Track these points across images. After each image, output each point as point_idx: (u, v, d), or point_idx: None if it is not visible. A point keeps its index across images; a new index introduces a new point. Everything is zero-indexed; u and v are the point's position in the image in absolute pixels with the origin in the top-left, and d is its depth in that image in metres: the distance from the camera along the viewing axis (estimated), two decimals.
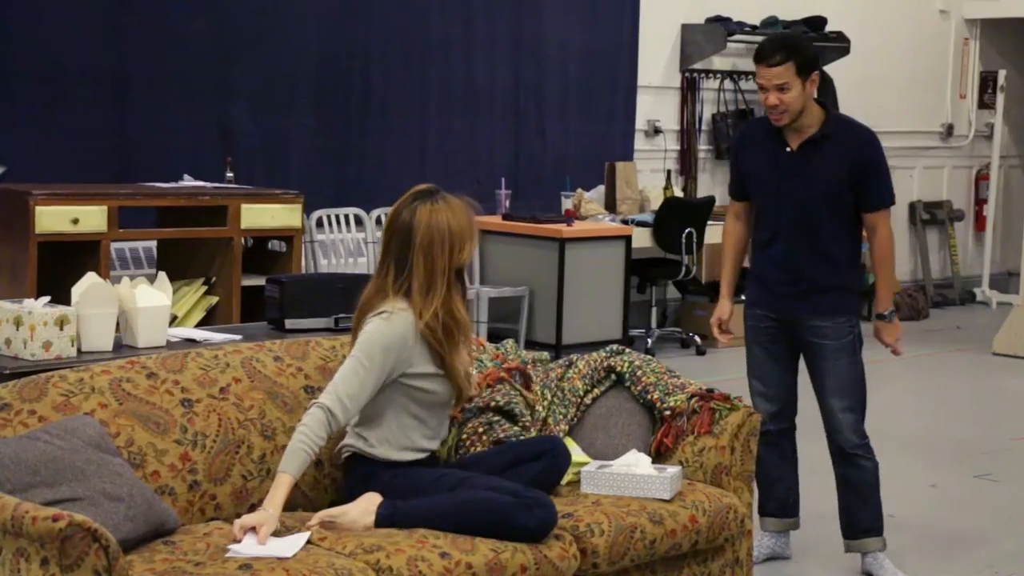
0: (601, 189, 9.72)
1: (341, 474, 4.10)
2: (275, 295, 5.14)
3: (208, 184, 7.50)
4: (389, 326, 3.86)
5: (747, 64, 11.00)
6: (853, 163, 4.89)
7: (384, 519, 3.77)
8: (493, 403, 4.35)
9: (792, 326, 5.00)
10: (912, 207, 12.33)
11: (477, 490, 3.84)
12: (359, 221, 8.57)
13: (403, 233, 3.90)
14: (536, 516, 3.78)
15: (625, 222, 9.40)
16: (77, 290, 4.67)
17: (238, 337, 4.88)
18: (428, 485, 3.88)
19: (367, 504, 3.81)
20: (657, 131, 10.48)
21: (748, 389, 5.11)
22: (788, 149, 4.89)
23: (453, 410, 4.18)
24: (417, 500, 3.82)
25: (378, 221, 8.47)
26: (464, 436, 4.29)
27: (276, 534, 3.62)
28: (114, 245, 7.09)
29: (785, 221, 4.93)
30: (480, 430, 4.29)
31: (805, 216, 4.90)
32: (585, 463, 4.31)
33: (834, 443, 5.04)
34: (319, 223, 8.38)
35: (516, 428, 4.33)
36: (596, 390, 4.59)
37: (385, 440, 3.94)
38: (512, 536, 3.75)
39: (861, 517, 5.07)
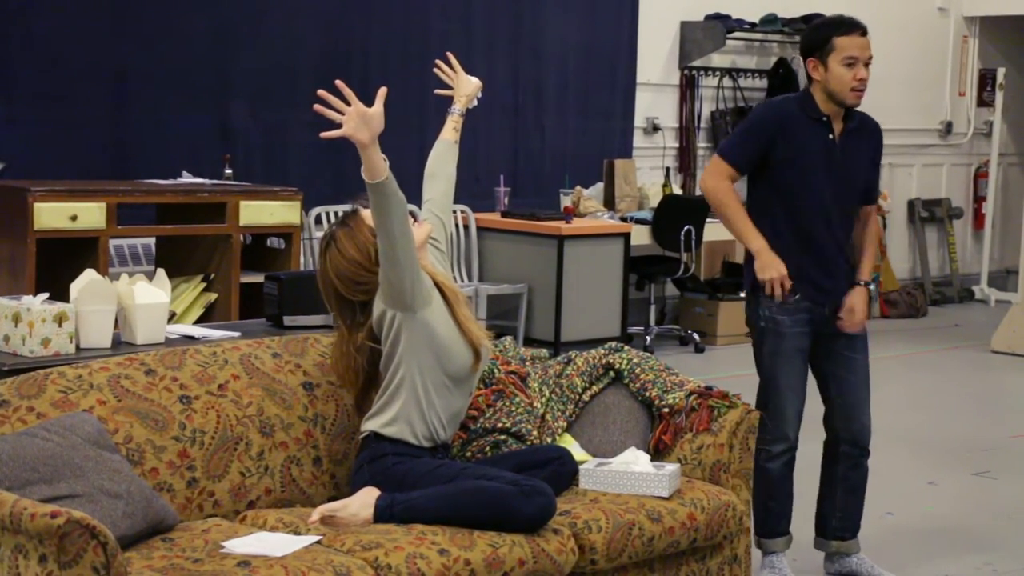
0: (600, 186, 9.72)
1: (343, 469, 4.11)
2: (274, 292, 5.14)
3: (207, 181, 7.50)
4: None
5: (746, 61, 11.03)
6: (874, 156, 4.93)
7: (383, 511, 3.78)
8: (500, 424, 4.35)
9: (824, 322, 4.87)
10: (911, 204, 12.32)
11: (476, 479, 3.85)
12: None
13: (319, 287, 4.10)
14: (535, 503, 3.78)
15: (624, 219, 9.41)
16: (76, 287, 4.66)
17: (236, 334, 4.88)
18: (427, 474, 3.89)
19: (366, 497, 3.82)
20: (656, 128, 10.48)
21: (774, 408, 4.83)
22: (831, 137, 4.80)
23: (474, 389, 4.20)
24: (415, 491, 3.83)
25: None
26: (469, 454, 4.30)
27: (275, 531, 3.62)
28: (113, 242, 7.09)
29: (830, 212, 4.82)
30: (487, 450, 4.30)
31: (846, 206, 4.86)
32: (584, 461, 4.31)
33: (849, 442, 4.96)
34: (318, 220, 8.38)
35: (524, 446, 4.33)
36: (595, 387, 4.59)
37: (403, 417, 3.94)
38: (511, 524, 3.75)
39: (857, 518, 5.06)
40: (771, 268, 4.76)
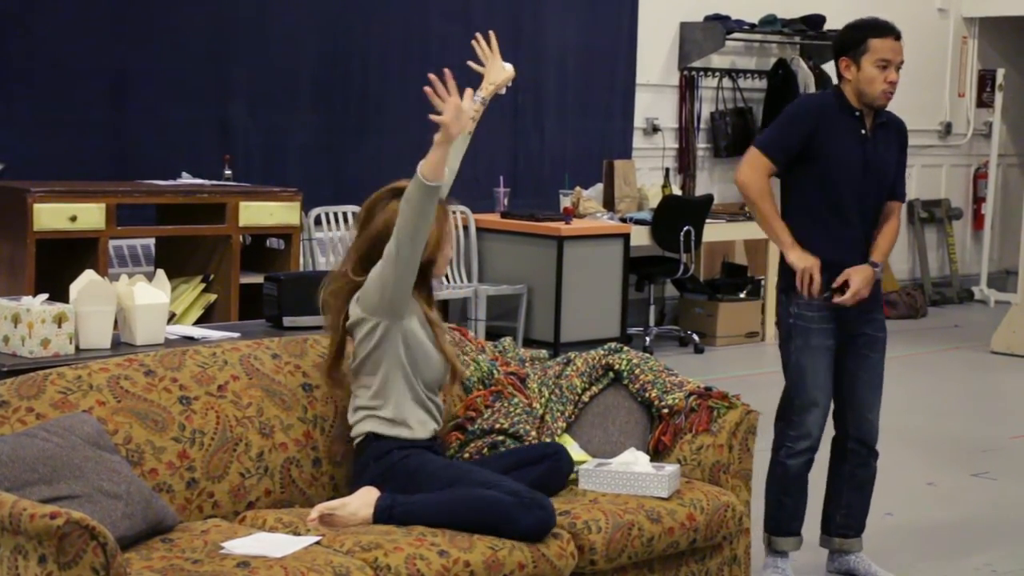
0: (599, 187, 9.72)
1: (342, 470, 4.11)
2: (273, 293, 5.14)
3: (206, 182, 7.50)
4: None
5: (745, 62, 11.03)
6: (899, 152, 4.94)
7: (383, 511, 3.78)
8: (498, 425, 4.35)
9: (849, 322, 4.88)
10: (910, 205, 12.33)
11: (477, 488, 3.85)
12: None
13: (373, 232, 4.00)
14: (534, 517, 3.77)
15: (623, 220, 9.40)
16: (75, 287, 4.66)
17: (236, 335, 4.88)
18: (432, 475, 3.89)
19: (366, 496, 3.82)
20: (656, 129, 10.48)
21: (800, 405, 4.84)
22: (863, 132, 4.83)
23: (451, 392, 4.23)
24: (416, 494, 3.83)
25: None
26: (467, 455, 4.29)
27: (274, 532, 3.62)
28: (112, 242, 7.09)
29: (865, 205, 4.85)
30: (485, 451, 4.29)
31: (876, 200, 4.88)
32: (583, 461, 4.31)
33: (858, 440, 4.98)
34: (317, 221, 8.38)
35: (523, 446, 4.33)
36: (594, 388, 4.59)
37: (398, 418, 3.96)
38: (509, 536, 3.75)
39: (861, 516, 5.07)
40: (805, 259, 4.76)
